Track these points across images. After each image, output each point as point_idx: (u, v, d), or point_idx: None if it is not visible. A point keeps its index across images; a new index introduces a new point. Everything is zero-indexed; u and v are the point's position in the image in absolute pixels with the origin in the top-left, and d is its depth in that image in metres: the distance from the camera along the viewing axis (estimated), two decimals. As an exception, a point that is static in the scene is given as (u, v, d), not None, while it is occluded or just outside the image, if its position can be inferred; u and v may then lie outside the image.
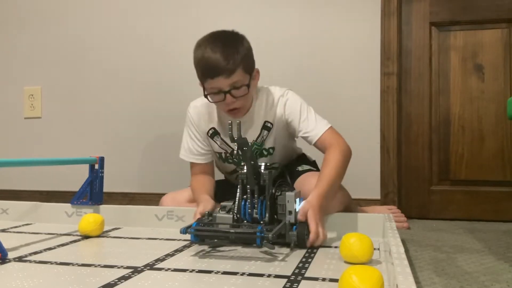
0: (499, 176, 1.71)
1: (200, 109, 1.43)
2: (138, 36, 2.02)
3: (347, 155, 1.29)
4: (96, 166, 1.42)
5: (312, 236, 1.02)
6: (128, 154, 2.02)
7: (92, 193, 1.41)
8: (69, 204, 1.42)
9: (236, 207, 1.09)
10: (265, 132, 1.38)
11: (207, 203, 1.18)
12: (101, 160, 1.43)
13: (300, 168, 1.45)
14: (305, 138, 1.34)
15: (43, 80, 2.15)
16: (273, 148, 1.42)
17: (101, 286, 0.73)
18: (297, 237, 1.02)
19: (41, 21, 2.15)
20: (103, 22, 2.07)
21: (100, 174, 1.43)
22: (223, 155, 1.44)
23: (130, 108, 2.03)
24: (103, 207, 1.40)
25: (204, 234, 1.01)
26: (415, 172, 1.79)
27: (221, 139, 1.41)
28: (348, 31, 1.79)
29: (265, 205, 1.06)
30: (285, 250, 1.02)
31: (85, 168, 1.42)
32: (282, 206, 1.07)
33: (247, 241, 1.03)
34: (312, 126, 1.32)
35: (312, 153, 1.57)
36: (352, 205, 1.48)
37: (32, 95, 2.15)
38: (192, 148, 1.43)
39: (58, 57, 2.13)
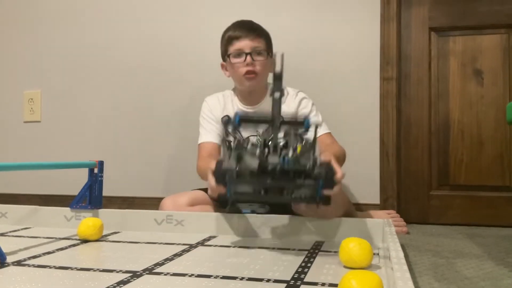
0: (499, 181, 1.71)
1: (215, 100, 1.56)
2: (139, 40, 2.03)
3: (343, 154, 1.42)
4: (96, 170, 1.42)
5: (338, 174, 1.00)
6: (128, 158, 2.02)
7: (92, 197, 1.41)
8: (68, 208, 1.42)
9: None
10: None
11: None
12: (101, 164, 1.43)
13: None
14: None
15: (43, 84, 2.15)
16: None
17: (100, 291, 0.73)
18: (326, 174, 0.96)
19: (41, 25, 2.16)
20: (102, 26, 2.08)
21: (100, 178, 1.42)
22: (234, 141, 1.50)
23: (129, 112, 2.03)
24: (102, 211, 1.40)
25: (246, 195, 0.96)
26: (415, 177, 1.79)
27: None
28: (347, 36, 1.80)
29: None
30: (285, 255, 1.02)
31: (85, 172, 1.42)
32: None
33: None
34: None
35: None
36: (351, 210, 1.48)
37: (32, 99, 2.16)
38: (208, 128, 1.53)
39: (58, 61, 2.13)
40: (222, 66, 1.56)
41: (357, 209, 1.60)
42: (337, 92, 1.80)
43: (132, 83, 2.03)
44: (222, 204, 1.00)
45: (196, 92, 1.93)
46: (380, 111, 1.75)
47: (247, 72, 1.45)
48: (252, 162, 0.93)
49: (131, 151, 2.02)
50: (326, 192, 0.98)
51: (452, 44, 1.77)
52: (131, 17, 2.04)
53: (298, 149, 0.95)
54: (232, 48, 1.46)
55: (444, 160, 1.77)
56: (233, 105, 1.54)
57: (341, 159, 1.36)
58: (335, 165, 1.00)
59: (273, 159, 0.93)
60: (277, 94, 0.99)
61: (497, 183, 1.71)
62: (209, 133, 1.52)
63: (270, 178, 0.94)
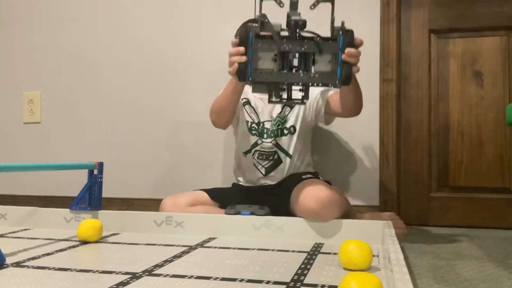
0: (498, 182, 1.71)
1: None
2: (139, 42, 2.03)
3: (362, 101, 1.38)
4: (95, 172, 1.42)
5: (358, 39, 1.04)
6: (127, 159, 2.02)
7: (91, 198, 1.41)
8: (67, 210, 1.42)
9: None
10: (288, 108, 1.52)
11: None
12: (100, 165, 1.43)
13: (303, 176, 1.46)
14: (323, 101, 1.49)
15: (43, 85, 2.15)
16: (294, 128, 1.53)
17: (99, 292, 0.73)
18: (346, 33, 1.00)
19: (41, 26, 2.16)
20: (102, 28, 2.08)
21: (99, 180, 1.42)
22: (249, 124, 1.54)
23: (129, 114, 2.03)
24: (101, 212, 1.40)
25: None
26: (414, 178, 1.79)
27: (251, 107, 1.55)
28: (347, 38, 1.79)
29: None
30: (285, 257, 1.02)
31: (84, 173, 1.42)
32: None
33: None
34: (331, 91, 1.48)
35: (318, 164, 1.57)
36: (351, 212, 1.48)
37: (32, 100, 2.16)
38: None
39: (58, 62, 2.13)
40: None
41: (356, 211, 1.60)
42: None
43: (132, 84, 2.03)
44: (240, 77, 1.01)
45: (197, 94, 1.93)
46: (380, 113, 1.75)
47: None
48: (276, 24, 0.95)
49: (130, 153, 2.02)
50: (349, 52, 1.00)
51: (452, 46, 1.77)
52: (131, 19, 2.04)
53: None
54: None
55: (444, 161, 1.77)
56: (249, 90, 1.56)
57: (360, 91, 1.33)
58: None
59: (296, 16, 0.95)
60: None
61: (497, 185, 1.71)
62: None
63: (293, 39, 0.95)
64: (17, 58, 2.19)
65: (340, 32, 0.98)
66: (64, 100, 2.12)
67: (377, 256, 1.02)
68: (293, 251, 1.08)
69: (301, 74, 1.00)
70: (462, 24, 1.76)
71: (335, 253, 1.05)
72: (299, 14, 0.98)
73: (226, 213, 1.33)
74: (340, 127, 1.77)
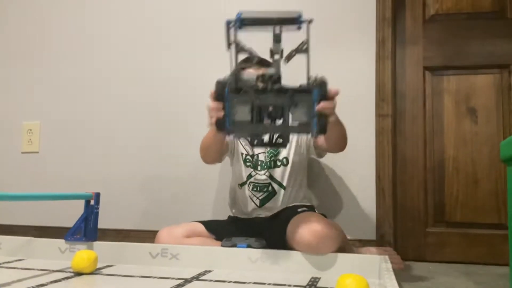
0: (494, 218, 1.71)
1: None
2: (137, 74, 2.06)
3: (346, 138, 1.43)
4: (92, 202, 1.42)
5: (333, 90, 1.06)
6: (123, 190, 2.01)
7: (87, 229, 1.40)
8: (62, 240, 1.41)
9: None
10: (280, 140, 1.49)
11: None
12: (97, 196, 1.43)
13: (299, 209, 1.47)
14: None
15: (42, 116, 2.17)
16: (286, 159, 1.54)
17: (94, 324, 0.72)
18: (321, 85, 1.01)
19: (41, 57, 2.19)
20: (101, 60, 2.11)
21: (95, 210, 1.42)
22: (244, 156, 1.55)
23: (127, 145, 2.04)
24: (96, 243, 1.39)
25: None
26: (411, 213, 1.79)
27: (247, 140, 1.54)
28: (343, 74, 1.83)
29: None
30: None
31: (81, 203, 1.42)
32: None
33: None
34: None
35: (315, 199, 1.58)
36: (347, 246, 1.48)
37: (31, 130, 2.17)
38: None
39: (57, 93, 2.15)
40: None
41: (353, 245, 1.59)
42: (334, 128, 1.82)
43: (129, 117, 2.05)
44: (219, 129, 1.02)
45: (194, 128, 1.95)
46: (376, 148, 1.77)
47: None
48: (250, 77, 0.97)
49: (127, 184, 2.02)
50: (323, 105, 1.01)
51: (446, 83, 1.81)
52: (131, 52, 2.08)
53: None
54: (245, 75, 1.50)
55: (439, 197, 1.77)
56: None
57: (344, 130, 1.38)
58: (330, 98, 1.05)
59: (271, 70, 0.97)
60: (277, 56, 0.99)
61: (493, 221, 1.71)
62: None
63: (267, 96, 0.97)
64: (17, 88, 2.22)
65: (315, 85, 1.01)
66: (62, 131, 2.14)
67: (374, 291, 1.01)
68: (290, 285, 1.07)
69: (278, 125, 1.03)
70: (456, 62, 1.80)
71: (331, 288, 1.04)
72: (282, 50, 1.01)
73: (222, 245, 1.33)
74: (337, 161, 1.78)
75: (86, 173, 2.07)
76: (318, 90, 1.01)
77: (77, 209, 1.44)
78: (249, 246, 1.30)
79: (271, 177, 1.53)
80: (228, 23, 0.96)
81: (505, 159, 1.02)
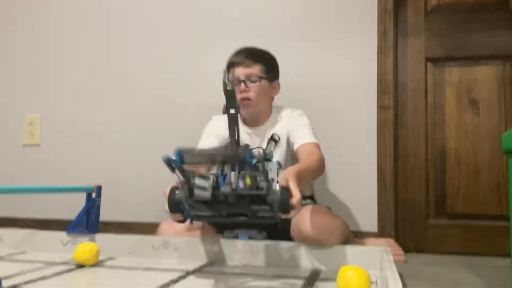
0: (496, 210, 1.71)
1: (222, 121, 1.51)
2: (139, 68, 2.05)
3: (322, 167, 1.41)
4: (94, 195, 1.42)
5: (295, 198, 0.98)
6: (125, 183, 2.02)
7: (89, 222, 1.40)
8: (64, 233, 1.41)
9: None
10: (273, 143, 1.52)
11: None
12: (99, 188, 1.43)
13: (302, 202, 1.45)
14: (291, 144, 1.50)
15: (43, 108, 2.17)
16: (279, 164, 1.45)
17: (96, 317, 0.72)
18: (281, 200, 0.95)
19: (42, 50, 2.19)
20: (103, 53, 2.11)
21: (97, 203, 1.42)
22: None
23: (128, 138, 2.04)
24: (98, 236, 1.40)
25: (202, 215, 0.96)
26: (412, 205, 1.79)
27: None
28: (345, 66, 1.83)
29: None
30: (282, 283, 1.01)
31: (82, 196, 1.42)
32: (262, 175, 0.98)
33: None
34: (300, 135, 1.49)
35: (317, 191, 1.58)
36: (350, 238, 1.48)
37: (32, 123, 2.17)
38: (205, 144, 1.52)
39: (58, 85, 2.15)
40: None
41: (354, 237, 1.59)
42: (335, 121, 1.82)
43: (131, 109, 2.05)
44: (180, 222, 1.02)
45: (197, 120, 1.95)
46: (378, 140, 1.77)
47: (242, 99, 1.50)
48: (205, 193, 0.91)
49: (129, 176, 2.02)
50: (284, 216, 0.98)
51: (448, 75, 1.80)
52: (135, 44, 2.07)
53: (247, 181, 0.92)
54: (231, 76, 1.48)
55: (441, 189, 1.77)
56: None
57: (315, 169, 1.34)
58: (293, 188, 0.99)
59: (225, 189, 0.91)
60: (231, 111, 0.93)
61: (494, 212, 1.71)
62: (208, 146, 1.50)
63: (225, 206, 0.93)
64: (18, 81, 2.21)
65: (274, 199, 0.95)
66: (63, 123, 2.14)
67: (375, 282, 1.01)
68: (291, 277, 1.07)
69: (242, 218, 0.98)
70: (458, 53, 1.79)
71: (333, 280, 1.04)
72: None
73: (224, 237, 1.33)
74: (338, 153, 1.78)
75: (87, 166, 2.07)
76: (279, 205, 0.95)
77: (79, 202, 1.44)
78: (250, 238, 1.30)
79: None
80: (167, 160, 0.93)
81: (507, 151, 1.02)
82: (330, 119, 1.82)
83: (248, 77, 1.50)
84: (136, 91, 2.05)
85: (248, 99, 1.50)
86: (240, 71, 1.50)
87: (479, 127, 1.75)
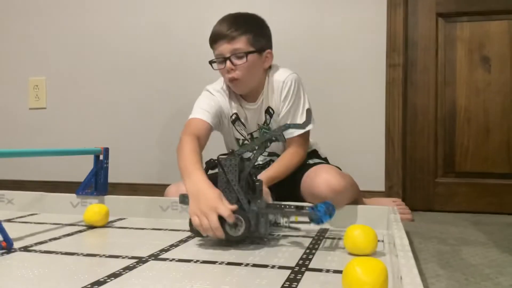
0: (505, 168, 1.70)
1: (220, 93, 1.42)
2: (144, 27, 2.02)
3: (295, 162, 1.35)
4: (101, 157, 1.43)
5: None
6: (133, 144, 2.02)
7: (97, 184, 1.42)
8: (74, 195, 1.43)
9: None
10: (268, 117, 1.40)
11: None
12: (106, 151, 1.44)
13: (311, 161, 1.43)
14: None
15: (48, 71, 2.15)
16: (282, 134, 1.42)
17: (106, 276, 0.73)
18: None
19: (46, 12, 2.15)
20: (108, 13, 2.07)
21: (105, 165, 1.43)
22: (241, 141, 1.46)
23: (135, 99, 2.03)
24: (108, 197, 1.41)
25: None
26: (420, 164, 1.78)
27: (241, 122, 1.43)
28: (354, 23, 1.78)
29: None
30: (290, 242, 1.02)
31: (90, 158, 1.43)
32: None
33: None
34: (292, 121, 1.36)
35: (324, 150, 1.56)
36: (359, 198, 1.47)
37: (37, 86, 2.16)
38: (204, 106, 1.37)
39: (63, 47, 2.13)
40: None
41: (362, 196, 1.59)
42: (343, 79, 1.79)
43: (138, 70, 2.03)
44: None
45: (204, 79, 1.92)
46: (386, 99, 1.74)
47: (229, 80, 1.34)
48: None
49: (136, 138, 2.02)
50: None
51: (460, 30, 1.75)
52: (140, 4, 2.03)
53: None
54: (215, 54, 1.35)
55: (450, 147, 1.76)
56: (239, 101, 1.42)
57: (290, 170, 1.32)
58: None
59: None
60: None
61: (503, 171, 1.70)
62: (205, 112, 1.36)
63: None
64: (22, 44, 2.19)
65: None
66: (69, 86, 2.12)
67: (382, 241, 1.02)
68: (298, 236, 1.08)
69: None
70: (470, 7, 1.73)
71: (340, 238, 1.05)
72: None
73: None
74: (346, 112, 1.77)
75: (95, 128, 2.08)
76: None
77: (87, 164, 1.45)
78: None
79: (270, 154, 1.46)
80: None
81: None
82: (337, 77, 1.79)
83: (234, 53, 1.30)
84: (142, 52, 2.02)
85: (235, 79, 1.33)
86: (224, 48, 1.30)
87: (490, 85, 1.71)
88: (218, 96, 1.41)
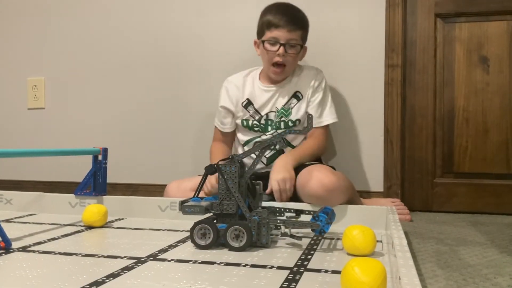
0: (503, 169, 1.70)
1: (235, 83, 1.60)
2: (144, 27, 2.01)
3: (321, 153, 1.58)
4: (100, 157, 1.43)
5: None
6: (132, 145, 2.02)
7: (96, 184, 1.41)
8: (72, 195, 1.43)
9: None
10: (294, 101, 1.54)
11: None
12: (105, 151, 1.44)
13: (307, 162, 1.46)
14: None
15: (47, 71, 2.15)
16: (299, 121, 1.54)
17: (105, 276, 0.73)
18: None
19: (45, 12, 2.15)
20: (107, 13, 2.07)
21: (104, 165, 1.43)
22: (250, 122, 1.56)
23: (134, 99, 2.02)
24: (106, 197, 1.41)
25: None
26: (419, 164, 1.78)
27: (254, 108, 1.57)
28: (352, 22, 1.78)
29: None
30: (288, 242, 1.02)
31: (89, 159, 1.42)
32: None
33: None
34: (318, 114, 1.54)
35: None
36: (356, 198, 1.48)
37: (36, 86, 2.16)
38: (220, 115, 1.62)
39: (62, 47, 2.12)
40: (255, 43, 1.58)
41: (360, 197, 1.60)
42: (342, 79, 1.79)
43: (137, 70, 2.02)
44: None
45: (204, 82, 1.93)
46: (385, 99, 1.74)
47: (277, 63, 1.48)
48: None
49: (135, 138, 2.02)
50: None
51: (458, 31, 1.75)
52: (140, 4, 2.03)
53: None
54: (269, 35, 1.48)
55: (448, 147, 1.76)
56: (254, 85, 1.58)
57: (306, 157, 1.46)
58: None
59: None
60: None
61: (502, 171, 1.70)
62: (222, 121, 1.62)
63: None
64: (21, 43, 2.19)
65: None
66: (68, 86, 2.12)
67: (381, 241, 1.02)
68: (297, 236, 1.08)
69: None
70: (468, 8, 1.73)
71: (338, 239, 1.05)
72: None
73: None
74: (345, 112, 1.77)
75: (93, 128, 2.08)
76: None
77: (86, 164, 1.45)
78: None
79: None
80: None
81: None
82: (336, 77, 1.79)
83: (289, 42, 1.47)
84: (141, 52, 2.02)
85: (284, 65, 1.49)
86: (282, 34, 1.46)
87: (489, 85, 1.72)
88: (232, 89, 1.59)
